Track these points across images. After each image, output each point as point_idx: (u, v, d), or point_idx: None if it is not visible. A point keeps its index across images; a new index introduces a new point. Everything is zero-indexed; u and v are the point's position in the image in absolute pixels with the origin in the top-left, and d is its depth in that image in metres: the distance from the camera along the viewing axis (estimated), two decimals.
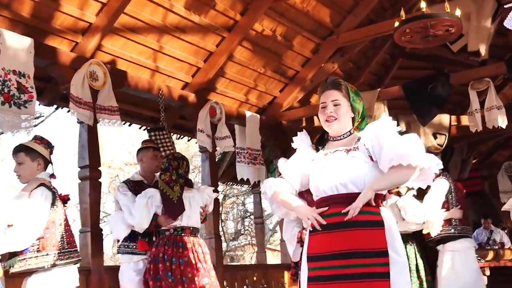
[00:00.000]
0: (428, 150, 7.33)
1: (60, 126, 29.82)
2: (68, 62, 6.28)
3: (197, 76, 7.97)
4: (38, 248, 4.38)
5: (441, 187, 6.47)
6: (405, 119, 9.32)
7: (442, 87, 8.48)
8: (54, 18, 6.18)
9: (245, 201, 24.45)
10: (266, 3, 7.60)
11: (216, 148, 8.23)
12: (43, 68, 6.16)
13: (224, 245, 21.54)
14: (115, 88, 6.60)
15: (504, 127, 8.31)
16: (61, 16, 6.20)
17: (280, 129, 9.49)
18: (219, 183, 10.32)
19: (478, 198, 12.78)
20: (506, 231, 11.93)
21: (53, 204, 4.51)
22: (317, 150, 3.67)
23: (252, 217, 22.37)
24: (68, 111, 6.41)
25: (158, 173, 5.80)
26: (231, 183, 12.25)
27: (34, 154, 4.66)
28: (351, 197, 3.36)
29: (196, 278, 5.37)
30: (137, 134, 18.69)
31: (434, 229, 6.13)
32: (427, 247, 6.45)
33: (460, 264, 6.39)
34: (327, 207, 3.44)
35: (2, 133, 11.18)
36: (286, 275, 8.93)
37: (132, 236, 5.68)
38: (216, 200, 6.54)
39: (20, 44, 5.62)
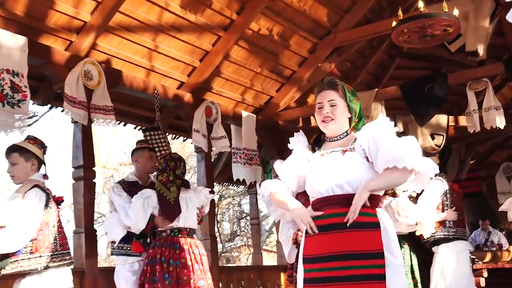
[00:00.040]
0: (425, 150, 7.29)
1: (54, 126, 29.53)
2: (63, 61, 6.26)
3: (193, 76, 7.95)
4: (31, 250, 4.33)
5: (436, 189, 6.44)
6: (402, 119, 9.33)
7: (440, 87, 8.48)
8: (48, 16, 6.15)
9: (241, 202, 24.44)
10: (262, 2, 7.59)
11: (212, 149, 8.22)
12: (37, 67, 6.14)
13: (219, 246, 21.55)
14: (110, 88, 6.58)
15: (502, 127, 8.31)
16: (55, 15, 6.18)
17: (277, 129, 9.47)
18: (214, 183, 10.29)
19: (476, 199, 12.79)
20: (504, 232, 11.92)
21: (46, 205, 4.47)
22: (314, 150, 3.64)
23: (248, 218, 22.34)
24: (62, 111, 6.37)
25: (154, 174, 5.76)
26: (227, 183, 12.22)
27: (28, 155, 4.62)
28: (347, 198, 3.33)
29: (191, 281, 5.34)
30: (132, 134, 18.65)
31: (426, 231, 6.09)
32: (424, 248, 6.42)
33: (451, 266, 6.36)
34: (323, 212, 3.40)
35: None
36: (283, 277, 8.91)
37: (126, 237, 5.62)
38: (211, 201, 6.51)
39: (14, 42, 5.60)
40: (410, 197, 6.09)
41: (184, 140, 10.04)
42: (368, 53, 10.15)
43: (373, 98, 8.85)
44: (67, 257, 4.55)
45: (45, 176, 4.67)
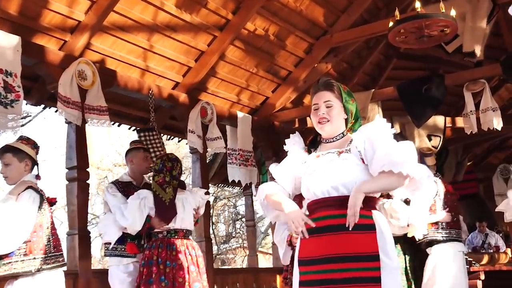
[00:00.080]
0: (421, 151, 7.26)
1: (47, 126, 29.33)
2: (56, 61, 6.23)
3: (188, 76, 7.91)
4: (25, 251, 4.34)
5: (427, 190, 6.39)
6: (399, 120, 9.32)
7: (437, 88, 8.46)
8: (42, 16, 6.12)
9: (237, 203, 24.40)
10: (258, 2, 7.56)
11: (207, 149, 8.18)
12: (30, 66, 6.11)
13: (215, 248, 21.50)
14: (104, 88, 6.55)
15: (499, 129, 8.28)
16: (49, 14, 6.15)
17: (273, 130, 9.45)
18: (210, 184, 10.29)
19: (473, 201, 12.79)
20: (501, 234, 11.92)
21: (40, 207, 4.48)
22: (310, 152, 3.62)
23: (243, 219, 22.28)
24: (56, 111, 6.34)
25: (149, 174, 5.73)
26: (222, 185, 12.22)
27: (21, 155, 4.63)
28: (342, 200, 3.31)
29: (186, 283, 5.33)
30: (127, 135, 18.62)
31: (418, 233, 6.06)
32: (419, 249, 6.39)
33: (442, 268, 6.33)
34: (317, 218, 3.38)
35: None
36: (278, 279, 8.90)
37: (121, 238, 5.59)
38: (207, 203, 6.50)
39: (7, 42, 5.57)
40: (406, 200, 6.07)
41: (179, 141, 9.99)
42: (365, 53, 10.13)
43: (369, 99, 8.84)
44: (60, 259, 4.57)
45: (37, 177, 4.67)
